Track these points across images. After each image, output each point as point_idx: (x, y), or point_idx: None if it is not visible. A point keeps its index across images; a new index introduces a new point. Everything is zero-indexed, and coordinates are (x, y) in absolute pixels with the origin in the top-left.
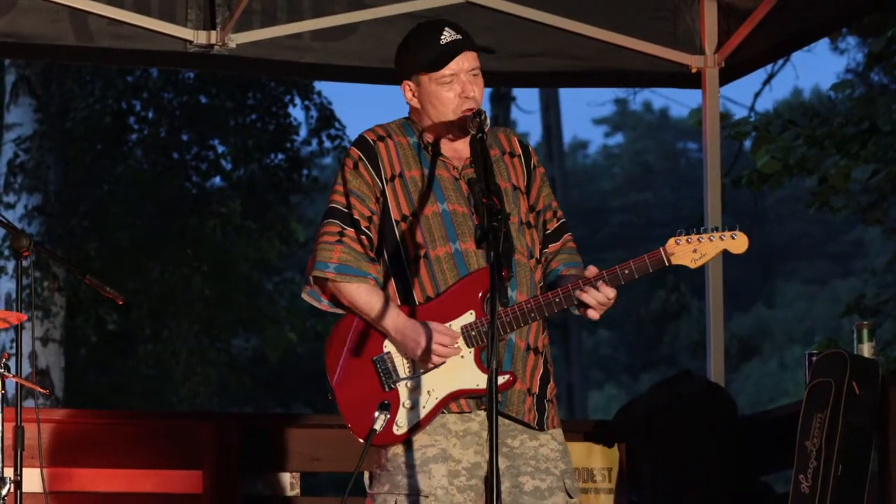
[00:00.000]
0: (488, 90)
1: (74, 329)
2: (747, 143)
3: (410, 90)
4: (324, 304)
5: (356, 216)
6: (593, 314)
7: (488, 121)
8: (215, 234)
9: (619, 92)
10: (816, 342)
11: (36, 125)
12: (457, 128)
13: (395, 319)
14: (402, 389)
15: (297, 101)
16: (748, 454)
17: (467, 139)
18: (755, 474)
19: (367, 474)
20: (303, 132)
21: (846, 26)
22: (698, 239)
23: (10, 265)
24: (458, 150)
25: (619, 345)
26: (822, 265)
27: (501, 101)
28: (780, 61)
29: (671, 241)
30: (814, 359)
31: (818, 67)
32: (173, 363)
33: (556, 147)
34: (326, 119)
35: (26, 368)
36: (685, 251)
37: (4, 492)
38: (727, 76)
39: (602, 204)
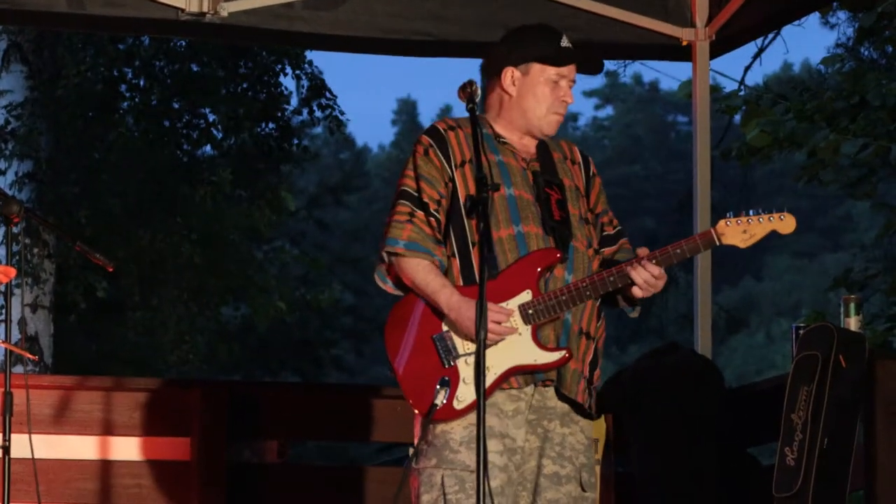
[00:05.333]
0: (477, 61)
1: (64, 296)
2: (737, 117)
3: (512, 77)
4: (388, 286)
5: (425, 199)
6: (638, 292)
7: (479, 91)
8: (206, 203)
9: (610, 64)
10: (804, 315)
11: (27, 92)
12: (536, 128)
13: (450, 297)
14: (462, 366)
15: (289, 70)
16: (734, 426)
17: (536, 140)
18: (741, 446)
19: (411, 450)
20: (294, 101)
21: (836, 0)
22: (748, 220)
23: (0, 231)
24: (525, 144)
25: (607, 316)
26: (811, 239)
27: None
28: (771, 35)
29: (721, 222)
30: (801, 332)
31: (808, 42)
32: (162, 331)
33: None
34: (318, 89)
35: (15, 335)
36: (735, 231)
37: None
38: (717, 49)
39: None
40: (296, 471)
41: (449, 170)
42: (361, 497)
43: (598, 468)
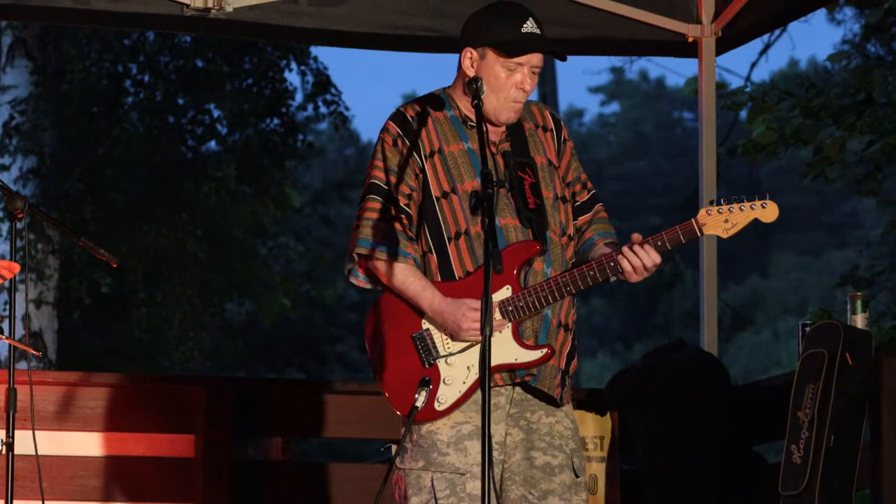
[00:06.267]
0: None
1: (68, 291)
2: (743, 114)
3: (470, 58)
4: (360, 281)
5: (395, 194)
6: (633, 277)
7: (484, 87)
8: (210, 199)
9: (616, 60)
10: (810, 313)
11: (32, 87)
12: (491, 115)
13: (432, 300)
14: (442, 366)
15: (294, 65)
16: (741, 424)
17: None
18: (747, 444)
19: (394, 447)
20: (298, 97)
21: None
22: (729, 209)
23: (5, 227)
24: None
25: (613, 313)
26: (817, 236)
27: None
28: (777, 31)
29: (702, 211)
30: (807, 329)
31: (815, 38)
32: (166, 327)
33: None
34: (322, 84)
35: (19, 330)
36: (717, 221)
37: None
38: (723, 46)
39: (597, 173)
40: (300, 468)
41: (419, 160)
42: (365, 494)
43: (604, 466)
